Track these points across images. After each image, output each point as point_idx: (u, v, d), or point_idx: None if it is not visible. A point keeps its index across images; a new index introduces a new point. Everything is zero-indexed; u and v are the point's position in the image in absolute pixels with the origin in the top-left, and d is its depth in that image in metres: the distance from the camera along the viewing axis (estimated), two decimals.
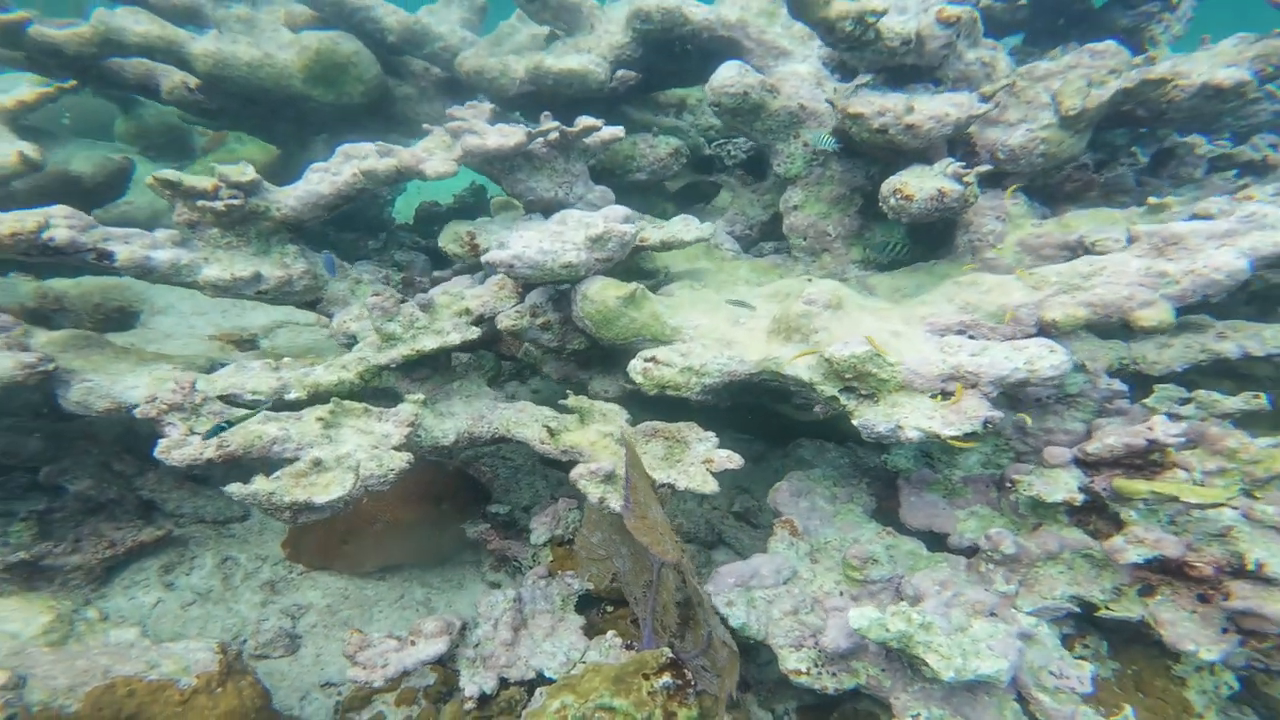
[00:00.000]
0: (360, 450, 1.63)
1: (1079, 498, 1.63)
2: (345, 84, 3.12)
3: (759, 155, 3.48)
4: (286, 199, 2.15)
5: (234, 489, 1.44)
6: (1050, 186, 2.79)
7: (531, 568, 2.32)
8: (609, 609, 2.04)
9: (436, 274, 3.62)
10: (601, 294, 1.94)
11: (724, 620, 1.56)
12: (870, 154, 2.67)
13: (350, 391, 1.91)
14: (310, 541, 2.54)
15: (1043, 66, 2.87)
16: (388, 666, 1.60)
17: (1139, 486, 1.55)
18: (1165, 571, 1.58)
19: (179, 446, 1.53)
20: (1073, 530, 1.73)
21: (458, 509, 2.45)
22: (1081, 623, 1.74)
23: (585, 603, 2.05)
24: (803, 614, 1.64)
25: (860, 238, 2.98)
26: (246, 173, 2.08)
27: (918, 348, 1.67)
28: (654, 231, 2.31)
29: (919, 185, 2.24)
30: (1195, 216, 2.27)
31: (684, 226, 2.37)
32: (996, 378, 1.54)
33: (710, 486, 1.60)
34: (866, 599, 1.69)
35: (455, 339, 1.93)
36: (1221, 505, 1.48)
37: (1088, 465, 1.69)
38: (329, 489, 1.45)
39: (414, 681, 1.88)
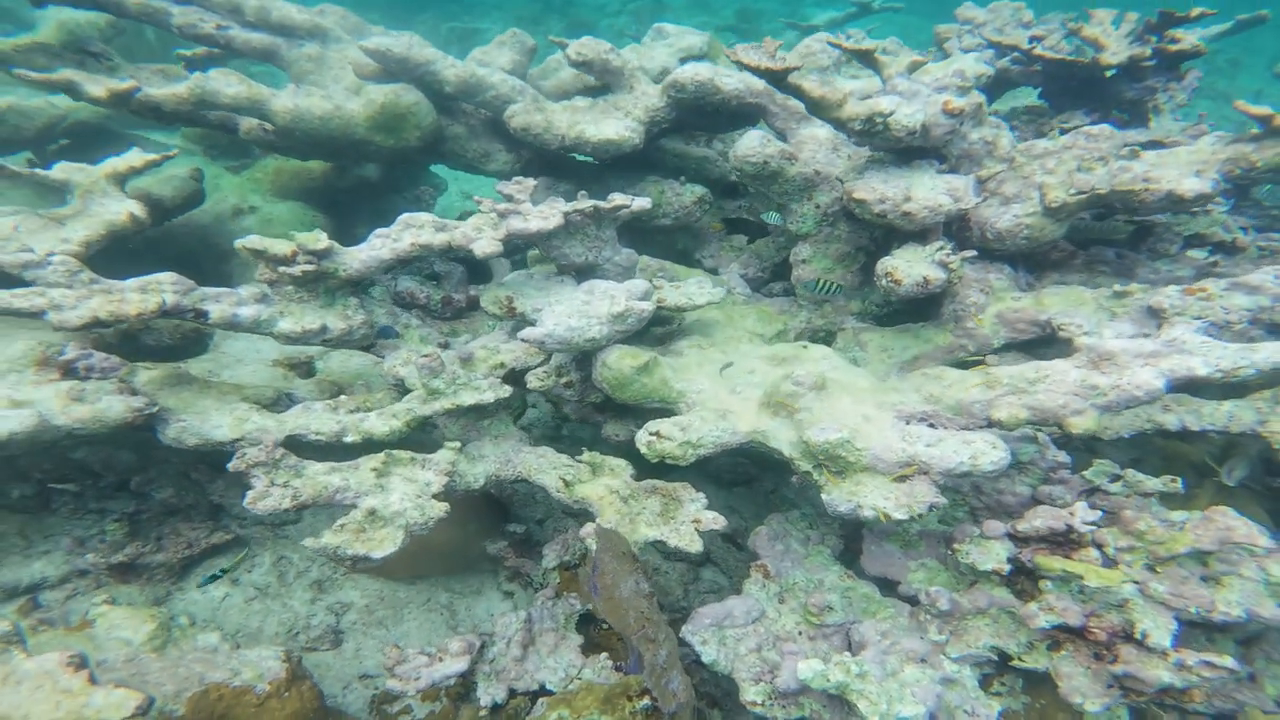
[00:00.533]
0: (406, 499, 1.99)
1: (1006, 568, 1.94)
2: (404, 131, 3.45)
3: None
4: (352, 262, 2.49)
5: (309, 543, 1.79)
6: (1037, 255, 3.06)
7: (540, 585, 2.69)
8: (605, 626, 2.39)
9: (473, 290, 3.96)
10: (619, 363, 2.26)
11: (698, 659, 1.88)
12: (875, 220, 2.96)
13: (399, 440, 2.26)
14: None
15: (1040, 145, 3.13)
16: (419, 679, 1.96)
17: (1054, 564, 1.86)
18: (1070, 631, 1.89)
19: (263, 498, 1.89)
20: (1002, 589, 2.04)
21: (482, 528, 2.81)
22: (1001, 664, 2.06)
23: (585, 619, 2.41)
24: (764, 650, 1.98)
25: (860, 291, 3.28)
26: (321, 241, 2.41)
27: (884, 433, 1.98)
28: (671, 293, 2.63)
29: (908, 271, 2.53)
30: (1150, 308, 2.54)
31: (698, 289, 2.68)
32: (945, 469, 1.85)
33: (696, 546, 1.93)
34: (821, 639, 2.02)
35: (490, 398, 2.27)
36: (1115, 585, 1.78)
37: (1018, 539, 2.00)
38: (383, 544, 1.81)
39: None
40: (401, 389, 2.70)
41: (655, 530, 1.98)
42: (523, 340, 2.17)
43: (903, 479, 1.90)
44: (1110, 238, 3.23)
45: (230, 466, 1.94)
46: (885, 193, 2.70)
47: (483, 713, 2.00)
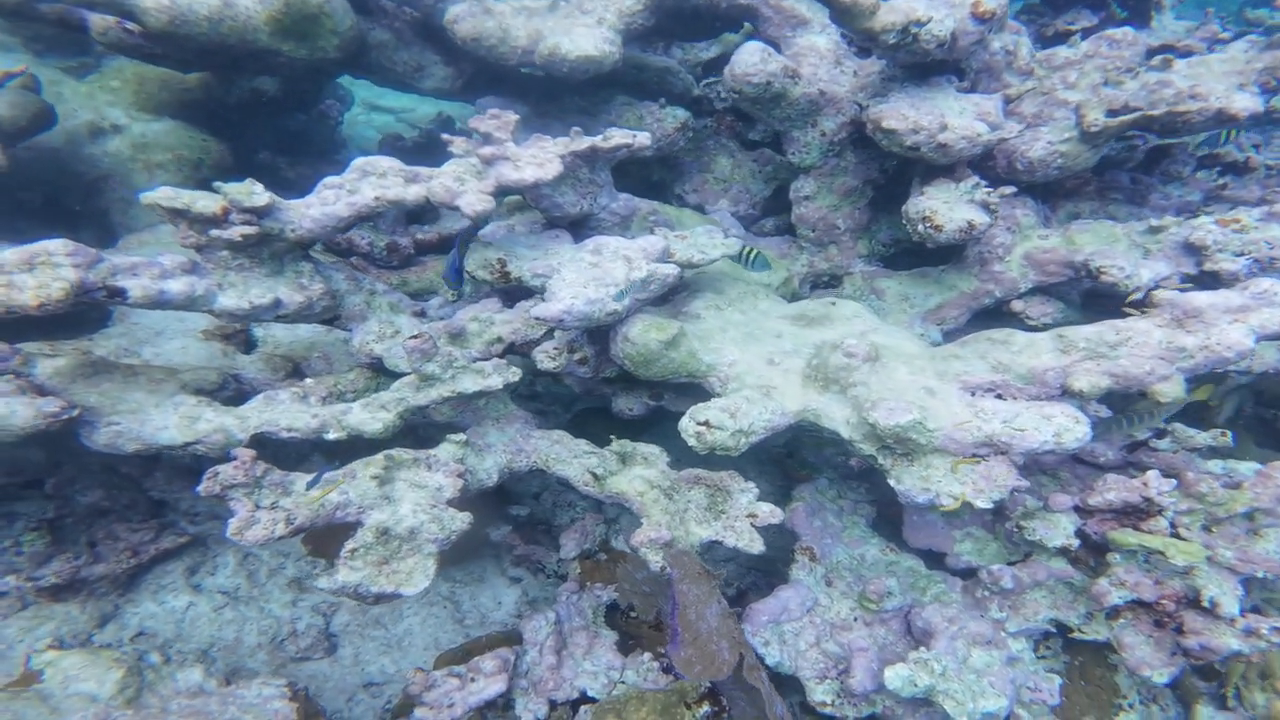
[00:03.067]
0: (420, 510, 1.66)
1: (1074, 543, 1.83)
2: (318, 37, 2.78)
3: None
4: (302, 220, 2.00)
5: (324, 584, 1.46)
6: (1051, 185, 2.84)
7: (555, 573, 2.46)
8: (634, 615, 2.20)
9: (419, 234, 3.44)
10: (643, 337, 1.94)
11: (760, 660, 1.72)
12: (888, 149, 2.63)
13: (394, 435, 1.90)
14: (331, 539, 2.58)
15: (1062, 54, 2.83)
16: (454, 707, 1.72)
17: (1129, 540, 1.75)
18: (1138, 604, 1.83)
19: (250, 526, 1.52)
20: (1059, 560, 1.95)
21: (482, 516, 2.52)
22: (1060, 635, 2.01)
23: (612, 609, 2.21)
24: (824, 643, 1.84)
25: (867, 231, 3.00)
26: (257, 194, 1.90)
27: (953, 410, 1.78)
28: (679, 245, 2.27)
29: (948, 215, 2.26)
30: (1189, 244, 2.39)
31: (709, 240, 2.33)
32: (1027, 449, 1.67)
33: (757, 547, 1.72)
34: (879, 625, 1.90)
35: (497, 383, 1.92)
36: (1199, 560, 1.70)
37: (1084, 511, 1.89)
38: (413, 577, 1.50)
39: None
40: (378, 368, 2.29)
41: (708, 529, 1.75)
42: (537, 319, 1.81)
43: (977, 461, 1.72)
44: (1124, 161, 3.04)
45: (201, 490, 1.56)
46: (919, 120, 2.37)
47: None
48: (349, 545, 1.56)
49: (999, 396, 1.85)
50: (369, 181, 2.09)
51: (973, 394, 1.85)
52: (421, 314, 2.48)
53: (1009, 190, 2.40)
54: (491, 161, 2.11)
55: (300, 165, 4.02)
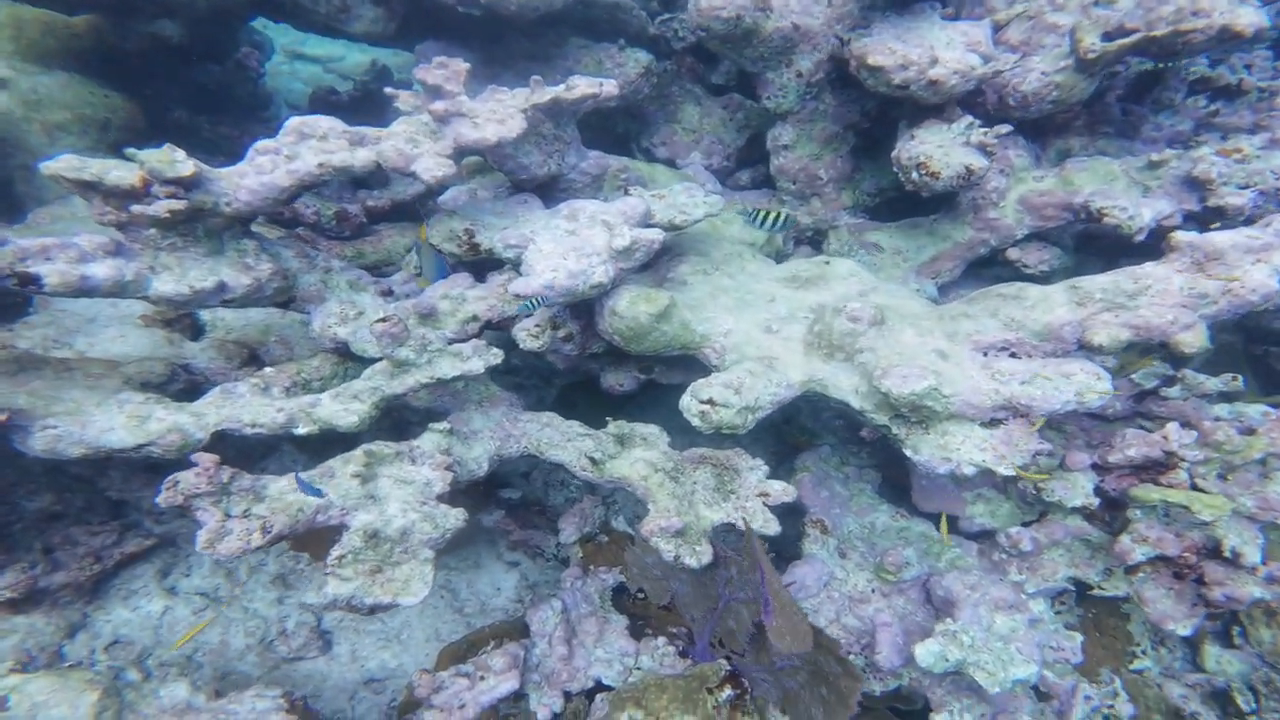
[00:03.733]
0: (409, 508, 1.51)
1: (1094, 503, 1.76)
2: None
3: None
4: (238, 192, 1.76)
5: (314, 599, 1.32)
6: (1039, 121, 2.68)
7: (555, 556, 2.34)
8: (640, 596, 2.10)
9: (370, 200, 3.16)
10: (632, 310, 1.77)
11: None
12: (870, 89, 2.42)
13: (369, 427, 1.73)
14: (314, 533, 2.43)
15: None
16: (465, 708, 1.61)
17: (1153, 496, 1.68)
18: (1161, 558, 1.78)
19: (222, 538, 1.35)
20: (1074, 518, 1.88)
21: (473, 501, 2.38)
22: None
23: (618, 591, 2.10)
24: (843, 618, 1.76)
25: (851, 181, 2.82)
26: (182, 165, 1.66)
27: (968, 373, 1.66)
28: (658, 206, 2.08)
29: (944, 160, 2.10)
30: (1191, 178, 2.27)
31: (690, 200, 2.14)
32: (1049, 411, 1.57)
33: (773, 528, 1.61)
34: (897, 595, 1.82)
35: (479, 366, 1.74)
36: (1225, 513, 1.63)
37: (1103, 469, 1.81)
38: (410, 585, 1.35)
39: None
40: (344, 352, 2.10)
41: (719, 512, 1.63)
42: (516, 296, 1.63)
43: (995, 424, 1.62)
44: (1107, 90, 2.86)
45: (160, 501, 1.39)
46: (907, 55, 2.17)
47: None
48: (336, 552, 1.41)
49: (1013, 355, 1.74)
50: (308, 145, 1.85)
51: (985, 354, 1.73)
52: (388, 293, 2.27)
53: (1005, 129, 2.22)
54: (446, 119, 1.88)
55: (223, 124, 3.59)
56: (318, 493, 1.47)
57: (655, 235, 1.84)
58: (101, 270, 1.63)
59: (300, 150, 1.85)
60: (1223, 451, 1.80)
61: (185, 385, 2.21)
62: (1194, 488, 1.74)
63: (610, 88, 2.06)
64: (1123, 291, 1.68)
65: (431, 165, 1.75)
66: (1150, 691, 1.94)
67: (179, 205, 1.66)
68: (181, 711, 1.70)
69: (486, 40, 2.85)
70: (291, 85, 4.88)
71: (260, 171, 1.82)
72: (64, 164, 1.60)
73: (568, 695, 1.76)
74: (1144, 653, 2.00)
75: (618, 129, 3.18)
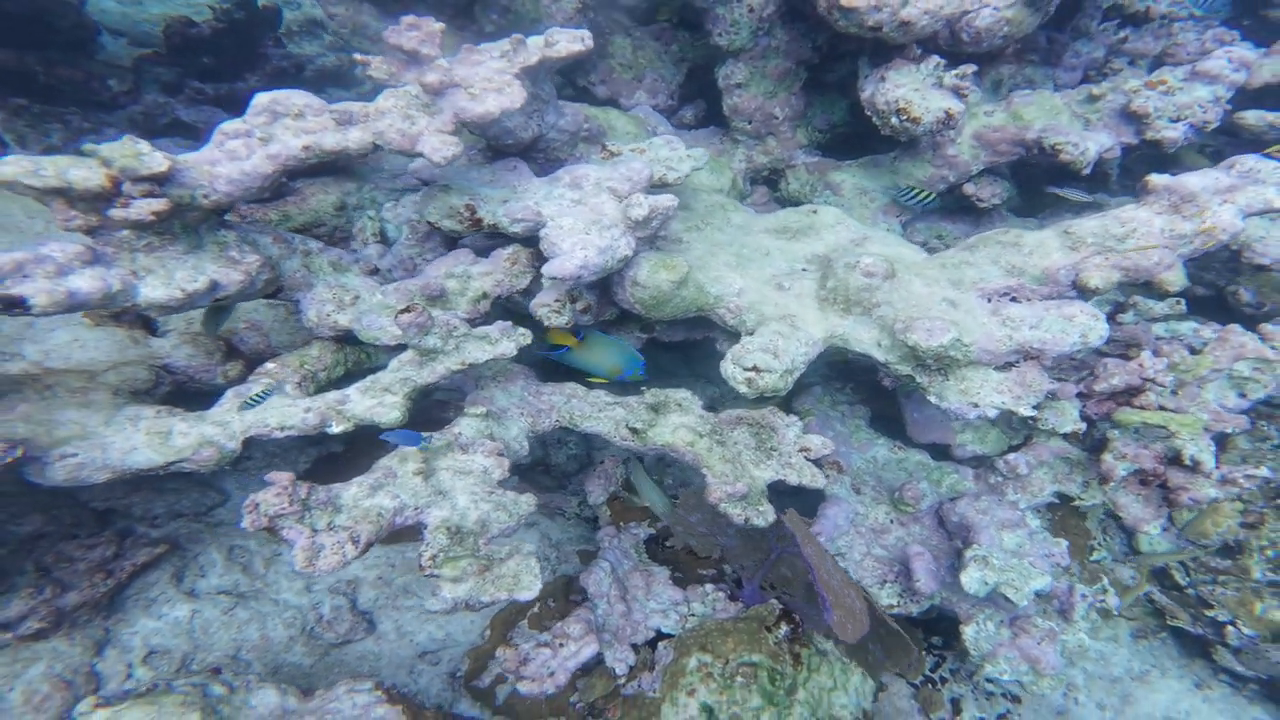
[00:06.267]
0: (478, 498, 1.43)
1: (1082, 428, 1.88)
2: None
3: None
4: (214, 183, 1.51)
5: (434, 605, 1.25)
6: (974, 52, 2.63)
7: (579, 515, 2.32)
8: (669, 545, 2.13)
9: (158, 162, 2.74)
10: (653, 279, 1.68)
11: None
12: (821, 23, 2.31)
13: (408, 420, 1.61)
14: None
15: None
16: (556, 675, 1.61)
17: (1134, 418, 1.81)
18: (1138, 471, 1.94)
19: (318, 555, 1.24)
20: (1057, 440, 2.02)
21: None
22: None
23: (649, 542, 2.12)
24: (873, 550, 1.85)
25: (804, 118, 2.74)
26: (151, 159, 1.41)
27: (980, 321, 1.69)
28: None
29: (924, 105, 2.07)
30: (1128, 112, 2.31)
31: (672, 152, 2.01)
32: (1059, 354, 1.63)
33: (820, 482, 1.64)
34: (913, 524, 1.92)
35: (510, 349, 1.63)
36: (1198, 431, 1.78)
37: (1087, 396, 1.93)
38: (521, 580, 1.28)
39: None
40: (341, 338, 1.92)
41: (768, 470, 1.63)
42: (553, 279, 1.51)
43: (1007, 368, 1.68)
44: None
45: (245, 526, 1.26)
46: None
47: (621, 680, 1.72)
48: (426, 553, 1.32)
49: (1014, 300, 1.79)
50: (283, 125, 1.60)
51: (990, 300, 1.78)
52: (374, 271, 2.08)
53: (970, 69, 2.20)
54: (441, 91, 1.67)
55: (59, 65, 2.87)
56: (416, 439, 1.39)
57: (670, 201, 1.74)
58: (86, 283, 1.39)
59: (275, 131, 1.60)
60: (1176, 371, 1.95)
61: (171, 387, 1.99)
62: (1162, 409, 1.89)
63: (589, 40, 1.86)
64: (1112, 235, 1.73)
65: (439, 145, 1.55)
66: (1109, 576, 2.17)
67: (161, 205, 1.42)
68: (280, 716, 1.61)
69: None
70: (115, 9, 3.88)
71: (234, 157, 1.56)
72: (14, 168, 1.32)
73: (635, 647, 1.79)
74: (1099, 545, 2.21)
75: (557, 80, 2.94)
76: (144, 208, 1.41)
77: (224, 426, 1.54)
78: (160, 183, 1.47)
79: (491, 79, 1.71)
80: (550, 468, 2.50)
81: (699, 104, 2.93)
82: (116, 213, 1.39)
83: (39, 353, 2.07)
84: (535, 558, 1.34)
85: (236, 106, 3.20)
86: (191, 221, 1.60)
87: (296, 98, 1.64)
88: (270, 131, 1.60)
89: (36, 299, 1.34)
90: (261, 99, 1.63)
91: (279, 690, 1.56)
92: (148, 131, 2.91)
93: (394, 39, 1.69)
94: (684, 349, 2.60)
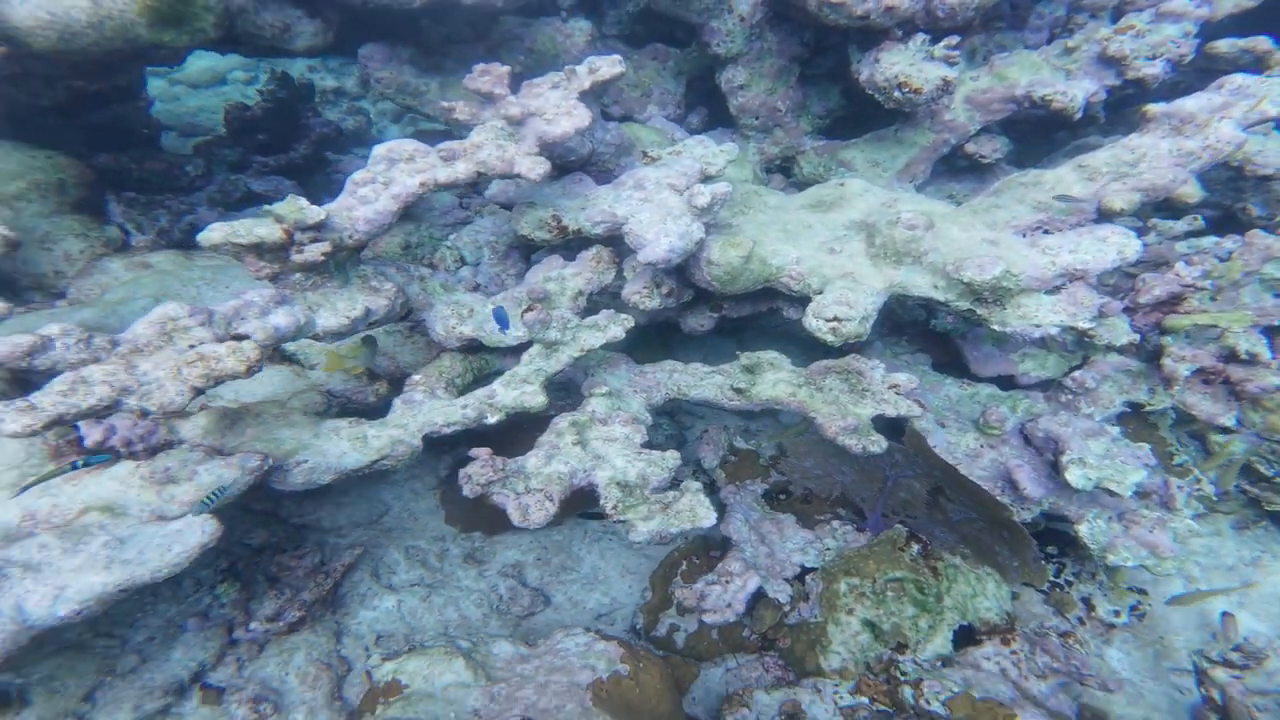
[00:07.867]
0: (631, 459, 1.71)
1: (1136, 338, 2.03)
2: (194, 17, 2.32)
3: None
4: (355, 224, 1.85)
5: (636, 536, 1.56)
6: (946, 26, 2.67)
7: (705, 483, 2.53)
8: (782, 496, 2.32)
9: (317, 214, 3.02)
10: (724, 256, 1.96)
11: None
12: (807, 21, 2.50)
13: (548, 404, 1.91)
14: (475, 515, 2.60)
15: None
16: (731, 606, 1.84)
17: (1184, 323, 1.96)
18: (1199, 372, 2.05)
19: (527, 512, 1.55)
20: (1113, 354, 2.16)
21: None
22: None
23: (765, 495, 2.30)
24: (974, 473, 2.00)
25: (804, 108, 2.90)
26: (312, 211, 1.78)
27: (1021, 253, 1.90)
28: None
29: (922, 77, 2.28)
30: (1105, 57, 2.40)
31: (705, 150, 2.25)
32: (1101, 271, 1.82)
33: (916, 410, 1.85)
34: (1002, 445, 2.08)
35: (618, 333, 1.93)
36: (1247, 325, 1.91)
37: (1133, 310, 2.09)
38: (697, 513, 1.58)
39: None
40: (466, 348, 2.22)
41: (867, 407, 1.85)
42: (647, 264, 1.82)
43: (1056, 291, 1.87)
44: None
45: (466, 492, 1.57)
46: None
47: (785, 609, 1.92)
48: (608, 505, 1.60)
49: (1046, 232, 1.99)
50: (399, 169, 1.93)
51: (1024, 235, 1.98)
52: (476, 287, 2.40)
53: (955, 39, 2.34)
54: (522, 121, 1.98)
55: (147, 161, 3.22)
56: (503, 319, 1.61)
57: (726, 188, 1.96)
58: (283, 319, 1.73)
59: (394, 174, 1.93)
60: (1211, 277, 2.09)
61: (338, 407, 2.34)
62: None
63: (623, 64, 2.14)
64: (1124, 162, 1.92)
65: (531, 165, 1.87)
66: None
67: (327, 246, 1.78)
68: (522, 659, 1.84)
69: (415, 34, 2.84)
70: (181, 107, 4.46)
71: (366, 201, 1.90)
72: (220, 233, 1.71)
73: (788, 581, 1.98)
74: (1177, 450, 2.28)
75: None
76: (315, 250, 1.77)
77: (404, 428, 1.87)
78: (319, 230, 1.83)
79: (560, 104, 2.02)
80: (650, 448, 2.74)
81: (702, 110, 3.15)
82: (296, 257, 1.76)
83: (231, 392, 2.50)
84: (704, 493, 1.60)
85: (296, 173, 3.48)
86: (340, 260, 1.94)
87: (406, 145, 1.97)
88: (390, 175, 1.93)
89: (256, 335, 1.71)
90: (379, 150, 1.97)
91: (511, 642, 1.84)
92: (225, 206, 3.12)
93: (472, 84, 2.03)
94: (738, 333, 2.81)
